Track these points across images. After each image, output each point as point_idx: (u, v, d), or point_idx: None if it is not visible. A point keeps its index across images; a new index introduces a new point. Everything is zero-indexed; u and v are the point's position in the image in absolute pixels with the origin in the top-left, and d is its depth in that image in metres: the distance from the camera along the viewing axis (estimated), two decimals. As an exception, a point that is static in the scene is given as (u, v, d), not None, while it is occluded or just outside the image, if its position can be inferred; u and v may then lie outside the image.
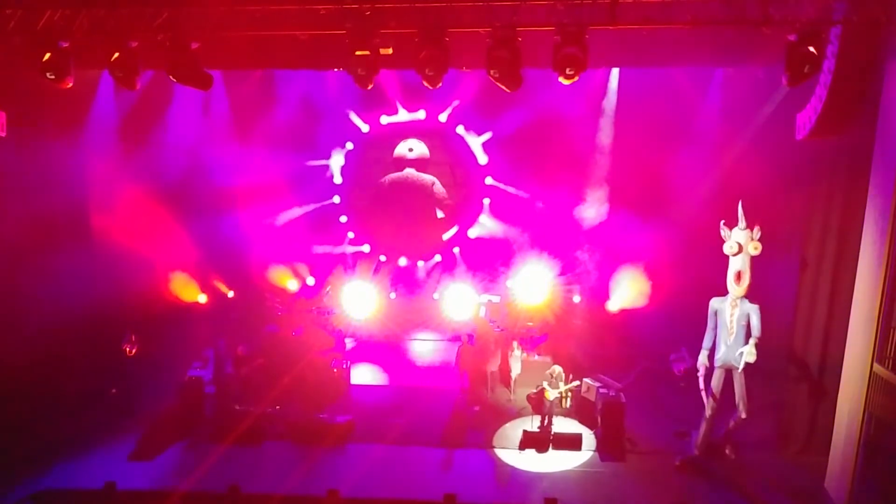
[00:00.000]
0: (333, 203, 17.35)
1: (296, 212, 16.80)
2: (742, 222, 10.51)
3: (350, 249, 17.55)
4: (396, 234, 17.42)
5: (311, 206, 17.04)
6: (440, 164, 17.13)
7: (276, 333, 15.19)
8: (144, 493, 9.97)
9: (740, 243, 10.48)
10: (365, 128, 16.92)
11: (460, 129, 16.74)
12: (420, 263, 17.60)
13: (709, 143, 13.94)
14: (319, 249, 17.25)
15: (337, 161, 17.11)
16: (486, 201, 17.03)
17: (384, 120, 16.82)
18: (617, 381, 12.96)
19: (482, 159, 16.82)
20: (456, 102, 16.34)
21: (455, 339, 15.13)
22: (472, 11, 8.74)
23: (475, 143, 16.74)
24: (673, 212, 14.21)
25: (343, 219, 17.50)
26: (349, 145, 17.06)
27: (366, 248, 17.61)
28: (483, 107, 15.99)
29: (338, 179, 17.20)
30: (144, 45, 9.21)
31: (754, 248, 10.44)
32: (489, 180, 16.85)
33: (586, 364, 14.08)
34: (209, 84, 9.95)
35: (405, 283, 17.57)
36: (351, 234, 17.57)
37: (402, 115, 16.78)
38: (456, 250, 17.42)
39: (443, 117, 16.67)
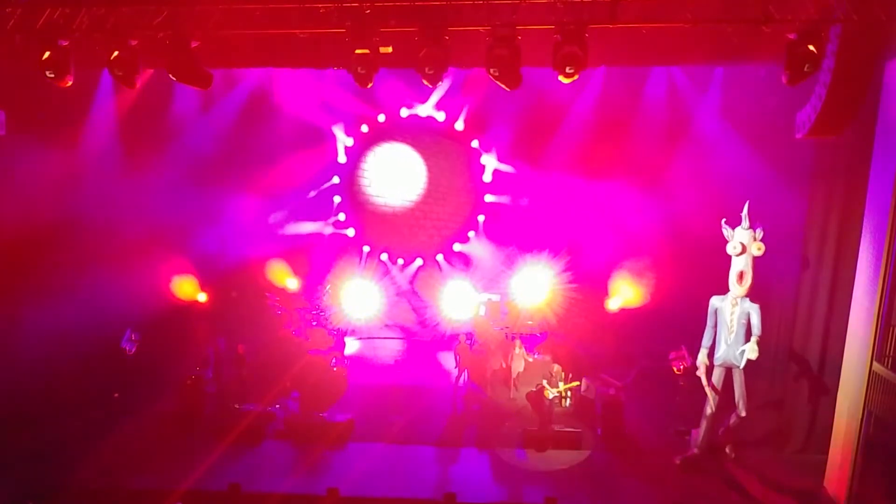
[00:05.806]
0: (333, 202, 17.36)
1: (295, 211, 16.79)
2: (746, 222, 10.44)
3: (349, 247, 17.53)
4: (396, 234, 17.43)
5: (311, 205, 17.06)
6: (442, 171, 17.12)
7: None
8: (144, 493, 9.95)
9: (744, 243, 10.43)
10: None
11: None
12: (419, 262, 17.60)
13: (709, 143, 13.95)
14: (319, 248, 17.23)
15: (338, 159, 17.16)
16: (488, 197, 17.09)
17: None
18: (617, 380, 12.96)
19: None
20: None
21: (455, 337, 15.11)
22: (472, 10, 8.76)
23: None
24: (673, 211, 14.21)
25: (342, 217, 17.50)
26: (349, 141, 17.07)
27: (366, 248, 17.61)
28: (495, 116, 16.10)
29: (336, 179, 17.22)
30: (144, 43, 9.24)
31: (758, 249, 10.38)
32: (488, 173, 16.94)
33: (586, 363, 14.07)
34: (209, 83, 9.98)
35: (405, 281, 17.56)
36: (351, 233, 17.57)
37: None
38: (456, 248, 17.42)
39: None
